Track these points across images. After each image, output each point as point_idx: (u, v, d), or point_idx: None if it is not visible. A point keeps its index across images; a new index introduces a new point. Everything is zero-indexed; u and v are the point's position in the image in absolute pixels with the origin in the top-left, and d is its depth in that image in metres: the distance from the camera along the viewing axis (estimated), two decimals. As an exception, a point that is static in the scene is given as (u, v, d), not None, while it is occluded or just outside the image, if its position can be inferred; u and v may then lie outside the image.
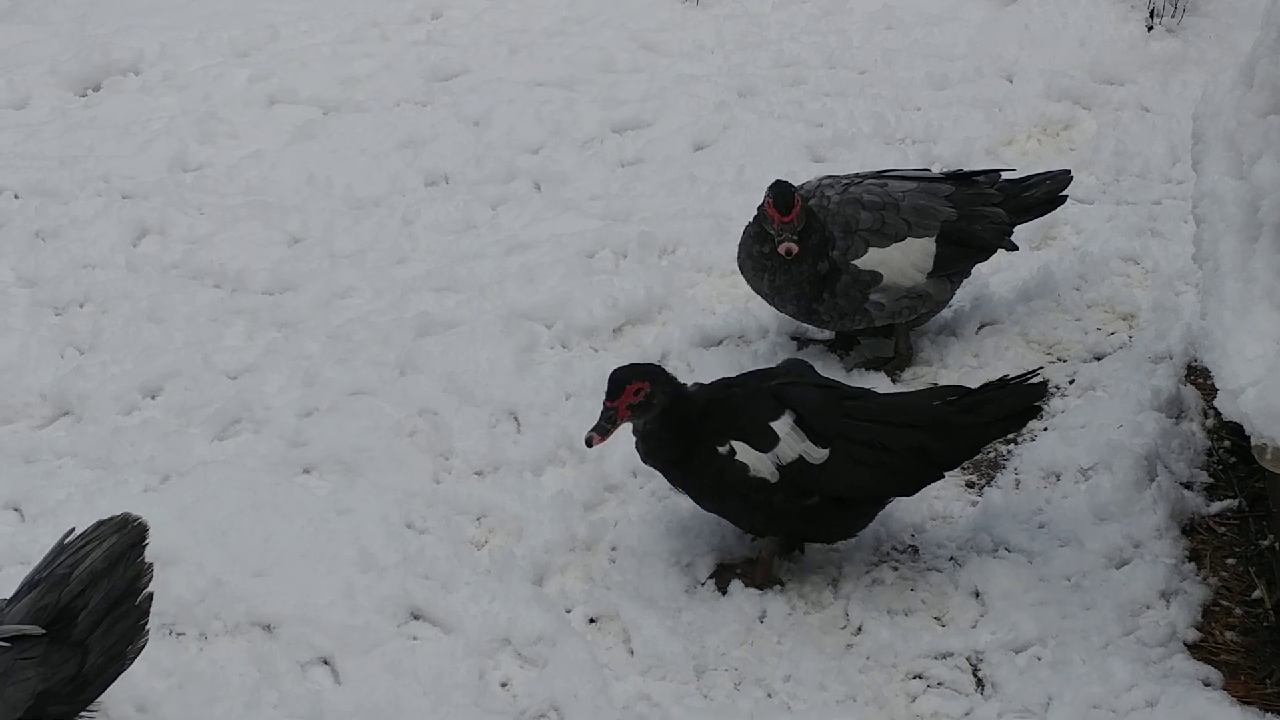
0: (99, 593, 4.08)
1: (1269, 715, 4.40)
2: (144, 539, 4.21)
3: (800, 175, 6.00)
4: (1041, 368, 5.23)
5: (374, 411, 5.62)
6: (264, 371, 5.88)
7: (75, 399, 5.77)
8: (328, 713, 4.51)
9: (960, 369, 5.79)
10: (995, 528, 5.10)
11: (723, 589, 4.90)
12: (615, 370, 4.78)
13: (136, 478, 5.36)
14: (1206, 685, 4.52)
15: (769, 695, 4.63)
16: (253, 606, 4.82)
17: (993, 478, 5.35)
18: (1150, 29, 7.79)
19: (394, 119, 7.56)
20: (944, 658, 4.72)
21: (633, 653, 4.76)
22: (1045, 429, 5.50)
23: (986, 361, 5.80)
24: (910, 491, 4.90)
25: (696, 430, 4.80)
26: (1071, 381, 5.73)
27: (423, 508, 5.22)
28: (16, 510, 5.26)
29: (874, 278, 5.62)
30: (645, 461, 4.92)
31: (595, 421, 4.78)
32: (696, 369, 5.80)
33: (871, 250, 5.63)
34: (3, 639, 3.96)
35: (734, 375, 5.08)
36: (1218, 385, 4.18)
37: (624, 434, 5.45)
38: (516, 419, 5.63)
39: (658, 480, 5.30)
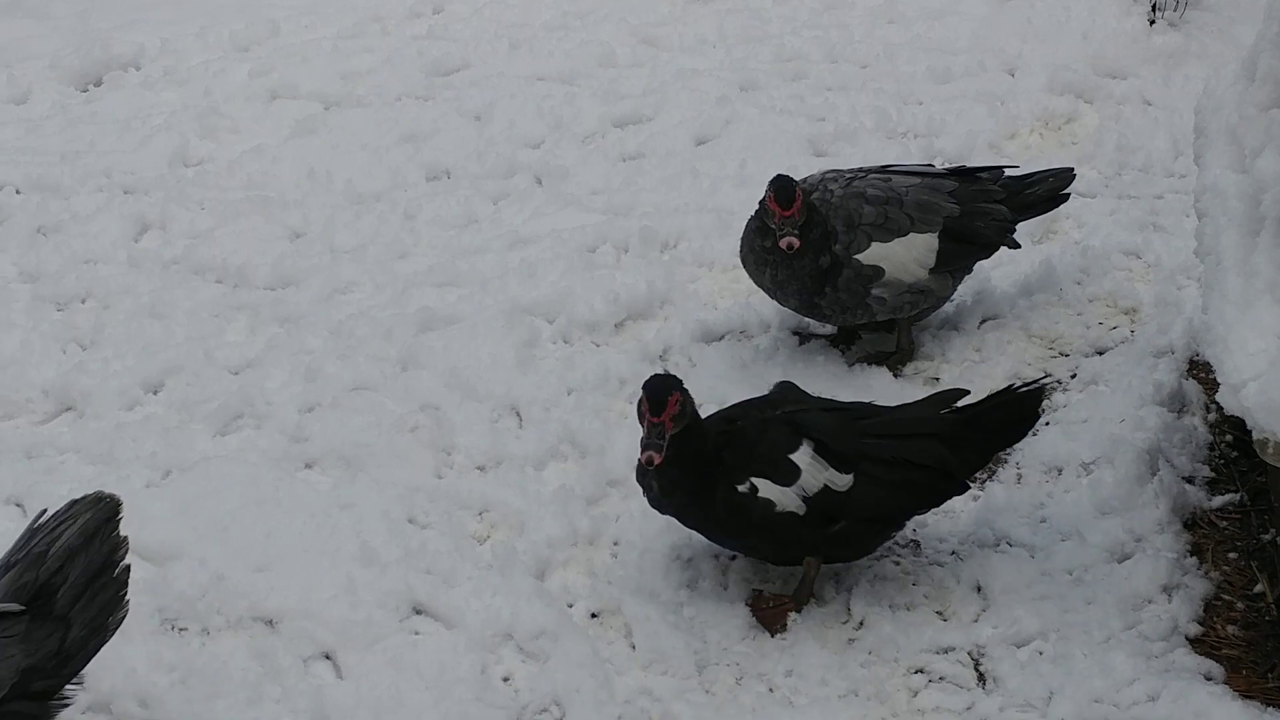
0: (77, 568, 4.12)
1: (1270, 710, 4.40)
2: (118, 513, 4.25)
3: (802, 170, 6.00)
4: (1047, 376, 5.19)
5: (376, 407, 5.62)
6: (265, 367, 5.88)
7: (77, 394, 5.77)
8: (330, 707, 4.51)
9: (962, 364, 5.78)
10: (997, 522, 5.10)
11: (774, 629, 4.81)
12: (649, 385, 4.60)
13: (138, 473, 5.37)
14: (1208, 679, 4.52)
15: (770, 690, 4.63)
16: (255, 601, 4.82)
17: (994, 472, 5.35)
18: (1152, 23, 7.79)
19: (395, 114, 7.56)
20: (946, 652, 4.72)
21: (634, 648, 4.76)
22: (1047, 424, 5.50)
23: (988, 356, 5.80)
24: (936, 504, 4.87)
25: (711, 465, 4.66)
26: (1073, 376, 5.73)
27: (425, 503, 5.22)
28: (19, 506, 5.26)
29: (876, 272, 5.62)
30: (660, 502, 4.74)
31: (646, 441, 4.55)
32: (698, 364, 5.80)
33: (874, 245, 5.62)
34: None
35: (728, 408, 4.95)
36: (1219, 379, 4.17)
37: (629, 432, 5.46)
38: (518, 414, 5.63)
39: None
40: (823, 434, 4.71)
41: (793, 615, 4.81)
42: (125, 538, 4.24)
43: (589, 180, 6.97)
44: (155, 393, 5.83)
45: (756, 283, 5.71)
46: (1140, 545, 4.95)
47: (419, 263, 6.45)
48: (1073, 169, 6.11)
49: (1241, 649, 4.63)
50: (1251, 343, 4.11)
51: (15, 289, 6.40)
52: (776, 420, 4.76)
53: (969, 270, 5.87)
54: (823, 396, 5.04)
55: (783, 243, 5.43)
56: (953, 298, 5.90)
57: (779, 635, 4.77)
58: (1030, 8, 7.98)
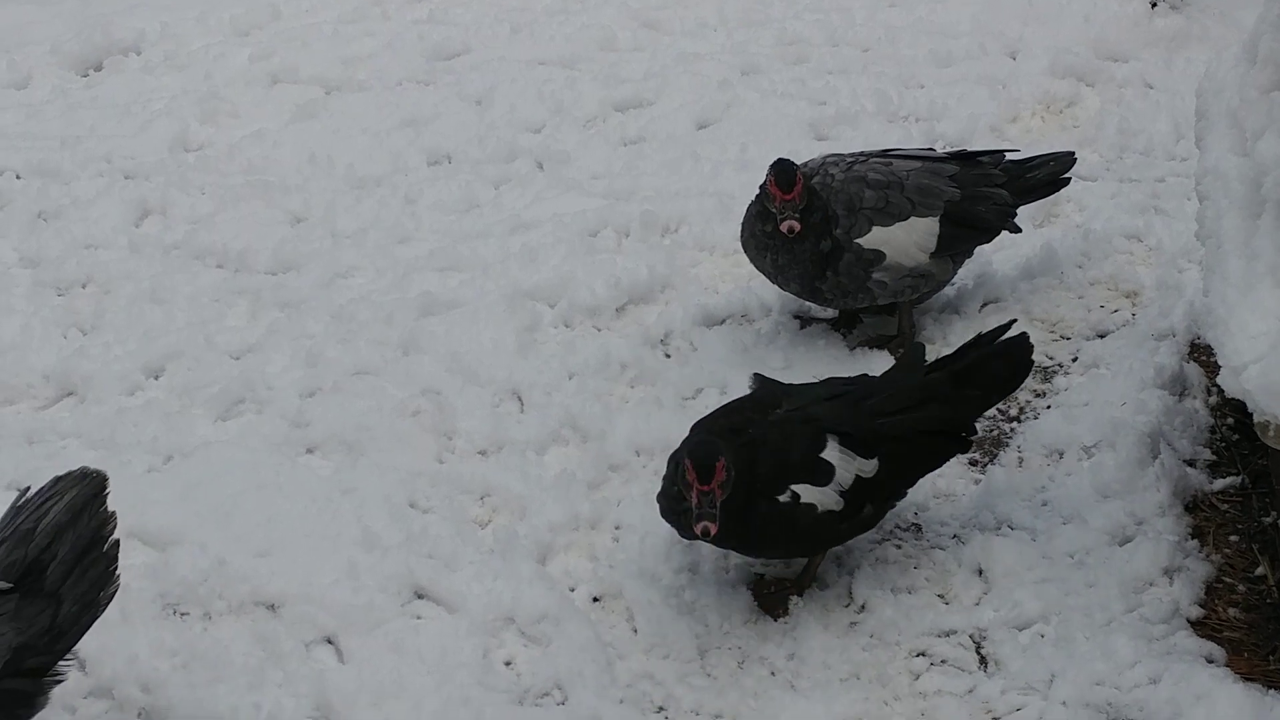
0: (65, 544, 4.12)
1: (1271, 692, 4.40)
2: (104, 489, 4.25)
3: (803, 153, 5.99)
4: (1015, 320, 5.19)
5: (377, 391, 5.62)
6: (266, 352, 5.88)
7: (78, 379, 5.77)
8: (332, 692, 4.51)
9: (963, 347, 5.78)
10: (998, 505, 5.10)
11: (777, 613, 4.81)
12: (695, 454, 4.46)
13: (139, 458, 5.37)
14: (1209, 662, 4.53)
15: (772, 674, 4.63)
16: (256, 586, 4.83)
17: (996, 455, 5.35)
18: (1154, 5, 7.78)
19: (396, 98, 7.55)
20: (947, 635, 4.72)
21: (636, 631, 4.76)
22: (1048, 407, 5.50)
23: (990, 339, 5.80)
24: (939, 464, 4.94)
25: (744, 483, 4.54)
26: (1075, 359, 5.73)
27: (426, 487, 5.23)
28: (20, 491, 5.25)
29: (877, 256, 5.61)
30: (721, 541, 4.63)
31: (698, 511, 4.44)
32: (700, 348, 5.80)
33: (875, 229, 5.62)
34: None
35: (718, 417, 4.78)
36: (1220, 362, 4.17)
37: (630, 416, 5.46)
38: (520, 398, 5.63)
39: (660, 459, 5.30)
40: (843, 425, 4.70)
41: (794, 599, 4.81)
42: (113, 512, 4.24)
43: (590, 165, 6.96)
44: (156, 378, 5.83)
45: (758, 267, 5.71)
46: (1141, 528, 4.94)
47: (420, 247, 6.44)
48: (1073, 153, 6.11)
49: (1243, 631, 4.64)
50: (1252, 325, 4.10)
51: (16, 274, 6.40)
52: (791, 421, 4.71)
53: (969, 254, 5.87)
54: (803, 383, 5.00)
55: (783, 226, 5.42)
56: (954, 281, 5.90)
57: (781, 619, 4.77)
58: (1031, -9, 7.98)
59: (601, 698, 4.53)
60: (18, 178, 7.05)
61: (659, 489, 4.70)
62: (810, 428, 4.68)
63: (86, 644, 4.29)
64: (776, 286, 5.74)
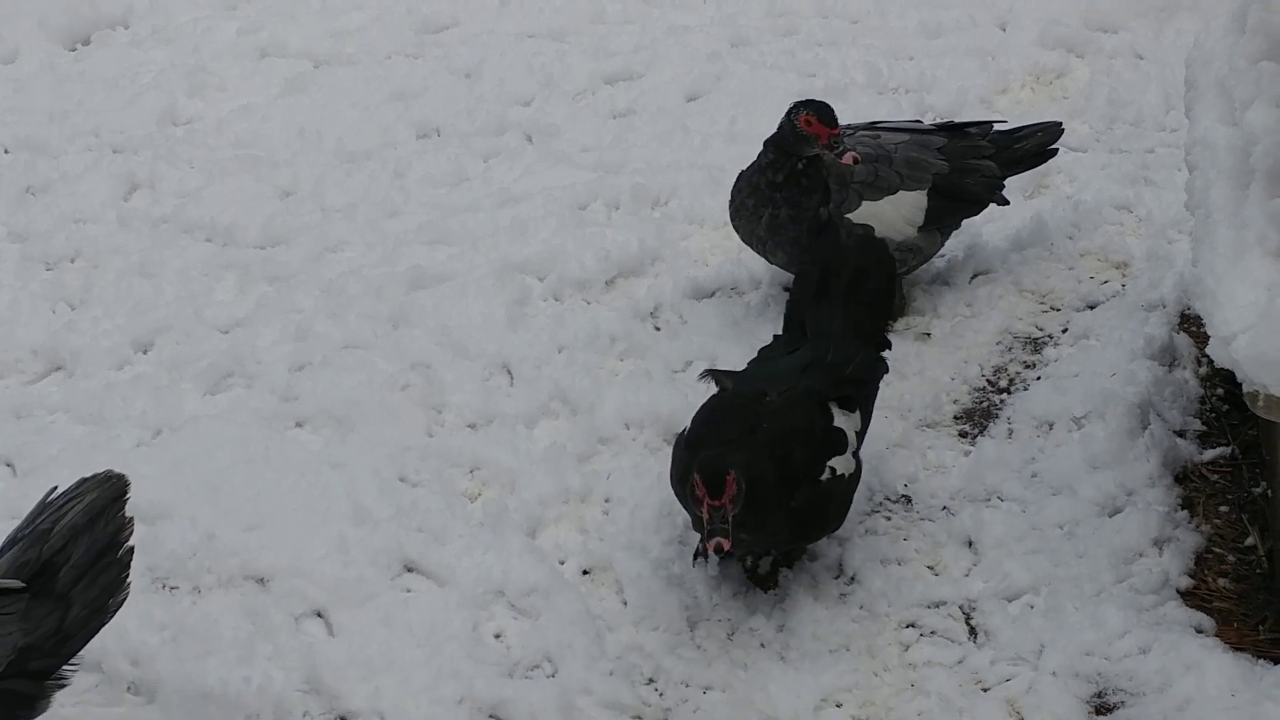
0: (80, 547, 4.09)
1: (1261, 662, 4.41)
2: (125, 494, 4.21)
3: (793, 126, 5.98)
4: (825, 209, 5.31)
5: (366, 365, 5.61)
6: (255, 326, 5.87)
7: (67, 354, 5.76)
8: (321, 665, 4.51)
9: (953, 318, 5.78)
10: (988, 477, 5.10)
11: (766, 585, 4.81)
12: (704, 468, 4.35)
13: (128, 433, 5.36)
14: (1199, 632, 4.53)
15: (762, 646, 4.63)
16: (246, 560, 4.83)
17: (985, 427, 5.35)
18: (1144, -24, 7.76)
19: (385, 72, 7.53)
20: (937, 606, 4.73)
21: (626, 604, 4.77)
22: (1038, 378, 5.50)
23: (979, 310, 5.79)
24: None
25: (782, 480, 4.50)
26: (1064, 330, 5.72)
27: (416, 461, 5.22)
28: (9, 465, 5.26)
29: (866, 230, 5.61)
30: (765, 544, 4.66)
31: (710, 528, 4.33)
32: (689, 321, 5.79)
33: (864, 203, 5.61)
34: None
35: (726, 423, 4.66)
36: (1209, 332, 4.16)
37: (619, 389, 5.46)
38: (509, 372, 5.62)
39: (649, 432, 5.31)
40: (834, 390, 4.75)
41: (784, 571, 4.81)
42: (131, 519, 4.20)
43: (579, 138, 6.94)
44: (145, 352, 5.82)
45: (748, 233, 5.68)
46: (1131, 499, 4.95)
47: (409, 221, 6.43)
48: (1060, 123, 6.10)
49: (1232, 601, 4.64)
50: (1241, 295, 4.10)
51: (4, 249, 6.38)
52: (794, 402, 4.68)
53: (957, 226, 5.86)
54: (751, 365, 4.98)
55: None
56: (943, 252, 5.89)
57: (771, 590, 4.77)
58: (1022, -39, 7.94)
59: (591, 670, 4.53)
60: (5, 152, 7.03)
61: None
62: (814, 401, 4.70)
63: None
64: (763, 257, 5.73)
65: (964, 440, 5.31)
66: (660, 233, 6.21)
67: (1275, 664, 4.39)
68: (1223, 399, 5.30)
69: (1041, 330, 5.75)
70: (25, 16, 8.15)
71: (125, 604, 4.16)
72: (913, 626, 4.68)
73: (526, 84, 7.33)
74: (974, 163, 5.79)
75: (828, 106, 5.48)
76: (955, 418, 5.41)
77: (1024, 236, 6.09)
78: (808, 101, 5.52)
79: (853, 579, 4.82)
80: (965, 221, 5.90)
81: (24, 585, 4.01)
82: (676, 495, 4.68)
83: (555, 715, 4.42)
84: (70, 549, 4.08)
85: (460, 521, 4.97)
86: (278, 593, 4.76)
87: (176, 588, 4.79)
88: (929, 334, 5.73)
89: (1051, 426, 5.28)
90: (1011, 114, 6.81)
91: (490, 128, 7.02)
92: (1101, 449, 5.08)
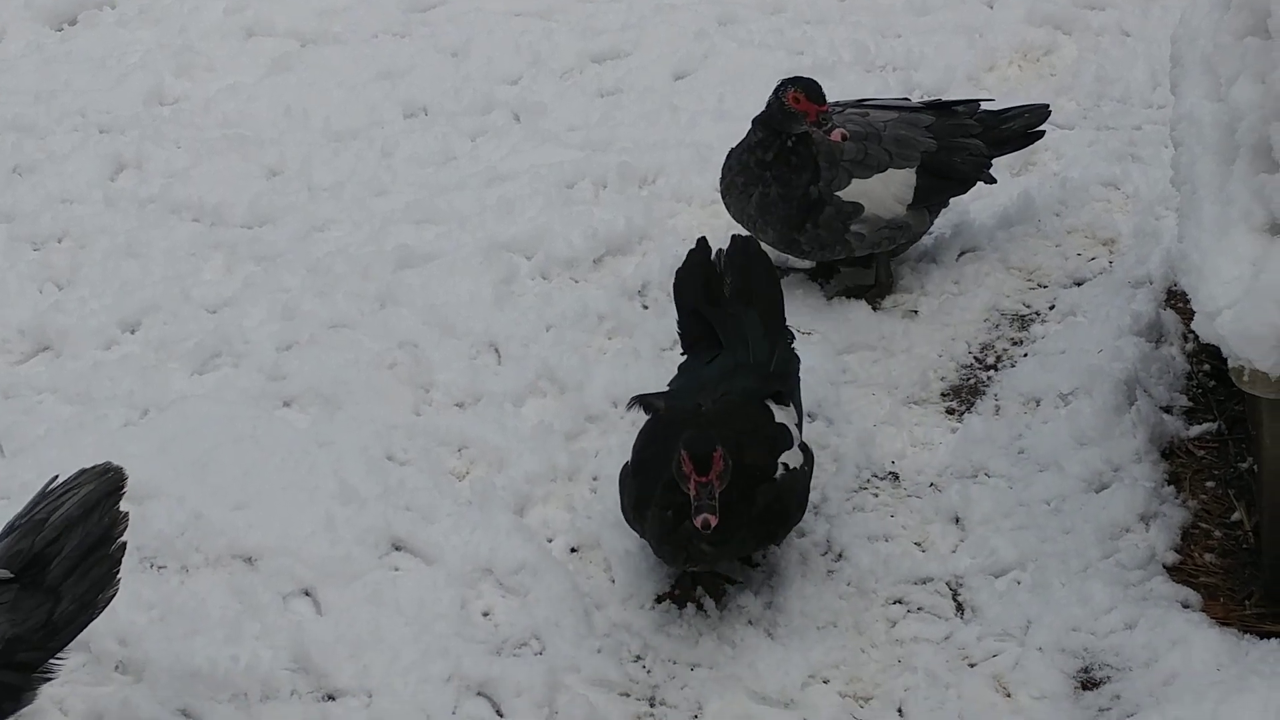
0: (73, 540, 4.07)
1: (1247, 636, 4.42)
2: (121, 487, 4.19)
3: (780, 103, 5.97)
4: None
5: (354, 344, 5.61)
6: (243, 305, 5.86)
7: (54, 334, 5.76)
8: (309, 643, 4.52)
9: (941, 295, 5.78)
10: (975, 453, 5.11)
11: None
12: (690, 444, 4.31)
13: (116, 412, 5.36)
14: (1185, 607, 4.54)
15: (750, 623, 4.64)
16: (233, 539, 4.83)
17: (973, 404, 5.36)
18: (1131, -48, 7.74)
19: (372, 50, 7.51)
20: (924, 583, 4.74)
21: (614, 581, 4.78)
22: (1025, 355, 5.51)
23: (967, 288, 5.80)
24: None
25: (741, 483, 4.44)
26: (1052, 307, 5.73)
27: (403, 440, 5.22)
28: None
29: (855, 209, 5.61)
30: (712, 554, 4.51)
31: (698, 504, 4.27)
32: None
33: (854, 181, 5.61)
34: None
35: (662, 441, 4.55)
36: (1195, 308, 4.17)
37: (607, 367, 5.46)
38: (497, 350, 5.62)
39: (637, 411, 5.30)
40: (764, 387, 4.74)
41: (773, 549, 4.81)
42: (126, 514, 4.19)
43: (567, 116, 6.93)
44: (132, 332, 5.81)
45: (738, 211, 5.68)
46: (1118, 475, 4.95)
47: (396, 200, 6.42)
48: (1048, 105, 6.10)
49: (1218, 576, 4.66)
50: (1226, 270, 4.10)
51: (-10, 230, 6.38)
52: (733, 405, 4.65)
53: (945, 204, 5.87)
54: (676, 383, 4.95)
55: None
56: (931, 230, 5.89)
57: (758, 568, 4.77)
58: (1010, -62, 7.92)
59: (579, 647, 4.54)
60: (-9, 133, 7.02)
61: (633, 509, 4.60)
62: (752, 401, 4.68)
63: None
64: (753, 235, 5.72)
65: (951, 417, 5.32)
66: (648, 211, 6.21)
67: (1261, 638, 4.41)
68: (1209, 375, 5.30)
69: (1029, 307, 5.75)
70: (11, -4, 8.12)
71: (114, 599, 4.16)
72: (900, 603, 4.69)
73: (514, 63, 7.31)
74: (962, 141, 5.80)
75: (815, 83, 5.48)
76: (943, 395, 5.42)
77: (1011, 214, 6.09)
78: (795, 79, 5.52)
79: (840, 556, 4.83)
80: (953, 199, 5.90)
81: (13, 576, 4.00)
82: (629, 523, 4.65)
83: (543, 692, 4.44)
84: (63, 541, 4.06)
85: (448, 500, 4.98)
86: (265, 571, 4.76)
87: (164, 567, 4.79)
88: (916, 311, 5.74)
89: (1039, 403, 5.29)
90: (999, 91, 6.80)
91: (477, 106, 7.00)
92: (1088, 425, 5.08)
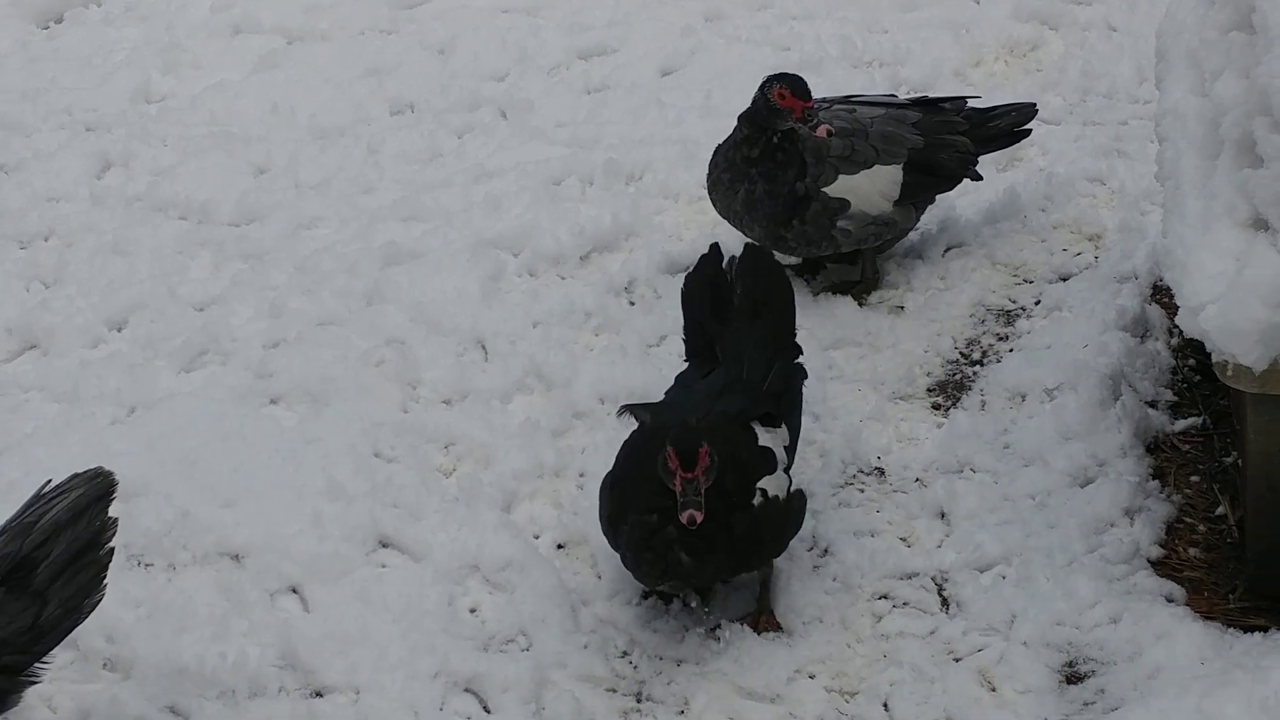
0: (61, 544, 4.05)
1: (1231, 630, 4.43)
2: (111, 493, 4.18)
3: (766, 99, 5.98)
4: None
5: (341, 341, 5.61)
6: (230, 303, 5.86)
7: (41, 332, 5.76)
8: (297, 640, 4.52)
9: (927, 291, 5.79)
10: (960, 448, 5.11)
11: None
12: (676, 440, 4.25)
13: (103, 410, 5.36)
14: (1169, 601, 4.55)
15: (736, 618, 4.64)
16: (221, 536, 4.84)
17: (958, 399, 5.37)
18: (1117, -52, 7.75)
19: (358, 47, 7.51)
20: (910, 578, 4.75)
21: (600, 578, 4.78)
22: (1011, 350, 5.52)
23: (953, 284, 5.81)
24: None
25: (719, 508, 4.34)
26: (1037, 302, 5.74)
27: (390, 437, 5.23)
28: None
29: (842, 205, 5.62)
30: (694, 572, 4.41)
31: (683, 500, 4.21)
32: (664, 295, 5.79)
33: (841, 178, 5.62)
34: None
35: (642, 457, 4.44)
36: (1178, 302, 4.18)
37: (594, 364, 5.47)
38: (484, 347, 5.63)
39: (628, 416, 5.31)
40: (753, 409, 4.64)
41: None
42: (114, 520, 4.17)
43: (554, 113, 6.94)
44: (119, 330, 5.81)
45: (725, 207, 5.69)
46: (1103, 469, 4.96)
47: (383, 197, 6.42)
48: (1035, 104, 6.12)
49: (1203, 571, 4.67)
50: (1210, 265, 4.11)
51: (-23, 228, 6.38)
52: (716, 427, 4.49)
53: (931, 201, 5.88)
54: (667, 396, 4.86)
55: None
56: (917, 226, 5.90)
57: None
58: (996, -66, 7.93)
59: (566, 643, 4.55)
60: (-22, 131, 7.02)
61: (610, 519, 4.52)
62: (736, 424, 4.59)
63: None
64: (740, 231, 5.74)
65: (937, 412, 5.33)
66: (635, 207, 6.21)
67: (1245, 632, 4.41)
68: (1194, 369, 5.32)
69: (1014, 302, 5.76)
70: (-3, -6, 8.12)
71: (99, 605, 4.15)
72: (885, 598, 4.70)
73: (500, 59, 7.32)
74: (948, 138, 5.81)
75: (801, 80, 5.49)
76: (928, 390, 5.43)
77: (997, 209, 6.11)
78: (781, 75, 5.53)
79: (826, 551, 4.83)
80: (939, 196, 5.91)
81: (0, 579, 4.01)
82: (606, 537, 4.58)
83: (530, 688, 4.44)
84: (51, 545, 4.05)
85: (435, 497, 4.98)
86: (253, 569, 4.76)
87: (152, 565, 4.79)
88: (902, 307, 5.75)
89: (1024, 398, 5.30)
90: (985, 87, 6.82)
91: (464, 103, 7.01)
92: (1073, 420, 5.10)
